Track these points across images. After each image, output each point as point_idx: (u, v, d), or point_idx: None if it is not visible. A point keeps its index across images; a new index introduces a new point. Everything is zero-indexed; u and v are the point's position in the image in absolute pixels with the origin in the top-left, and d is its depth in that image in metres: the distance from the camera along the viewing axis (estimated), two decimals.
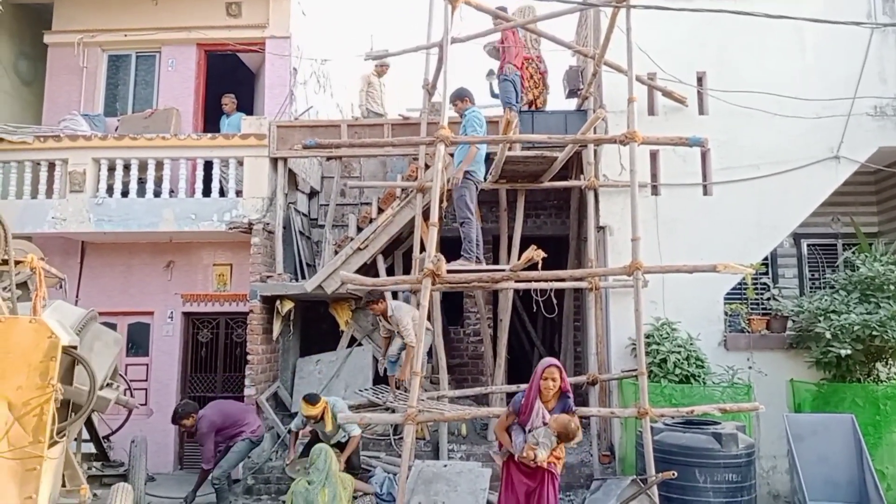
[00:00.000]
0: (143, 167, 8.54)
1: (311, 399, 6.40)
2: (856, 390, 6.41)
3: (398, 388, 7.54)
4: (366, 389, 7.79)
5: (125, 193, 8.49)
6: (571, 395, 4.79)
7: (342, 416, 6.08)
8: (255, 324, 7.91)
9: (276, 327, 8.11)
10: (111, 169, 8.56)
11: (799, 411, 6.56)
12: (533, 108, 8.35)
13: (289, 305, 8.07)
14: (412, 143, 7.27)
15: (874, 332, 6.14)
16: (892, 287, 6.46)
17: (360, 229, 8.34)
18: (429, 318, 7.18)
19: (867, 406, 6.32)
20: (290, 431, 6.76)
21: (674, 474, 4.50)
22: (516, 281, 6.94)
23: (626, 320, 6.70)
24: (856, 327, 6.20)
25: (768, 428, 6.63)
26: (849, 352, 6.22)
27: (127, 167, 8.54)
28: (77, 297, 8.87)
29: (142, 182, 8.54)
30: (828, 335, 6.33)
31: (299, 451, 6.63)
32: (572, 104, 8.91)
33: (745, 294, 7.57)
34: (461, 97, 6.92)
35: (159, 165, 8.52)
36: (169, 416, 7.17)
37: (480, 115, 6.85)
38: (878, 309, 6.31)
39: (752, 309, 7.66)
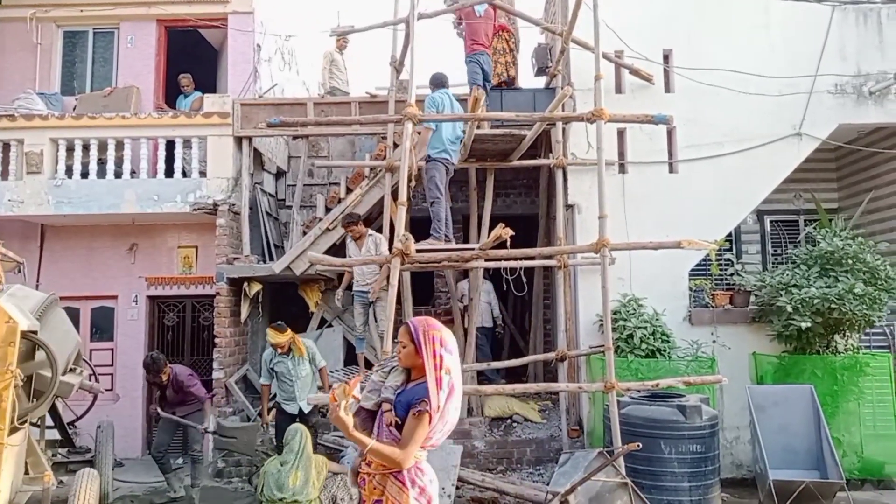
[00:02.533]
0: (102, 147, 8.31)
1: (279, 327, 6.46)
2: (815, 362, 6.60)
3: (368, 368, 7.55)
4: (336, 370, 7.78)
5: (85, 174, 8.26)
6: (435, 382, 2.72)
7: (312, 397, 6.07)
8: (223, 306, 7.81)
9: (244, 310, 8.02)
10: (70, 149, 8.31)
11: (761, 383, 6.74)
12: (505, 78, 8.33)
13: (257, 287, 7.97)
14: (380, 121, 7.19)
15: (833, 306, 6.31)
16: (850, 261, 6.63)
17: (328, 209, 8.25)
18: (399, 300, 7.18)
19: (826, 377, 6.53)
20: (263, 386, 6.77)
21: (639, 446, 4.59)
22: (486, 260, 6.97)
23: (594, 297, 6.77)
24: (815, 301, 6.36)
25: (731, 400, 6.80)
26: (809, 325, 6.38)
27: (86, 147, 8.30)
28: (38, 281, 8.66)
29: (102, 163, 8.31)
30: (789, 309, 6.48)
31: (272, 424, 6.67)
32: (541, 82, 8.91)
33: (709, 270, 7.72)
34: (432, 84, 6.93)
35: (120, 145, 8.30)
36: (135, 400, 7.09)
37: (438, 98, 6.77)
38: (837, 283, 6.47)
39: (716, 284, 7.81)
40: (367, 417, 2.91)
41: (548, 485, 5.60)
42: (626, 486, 4.68)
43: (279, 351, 6.46)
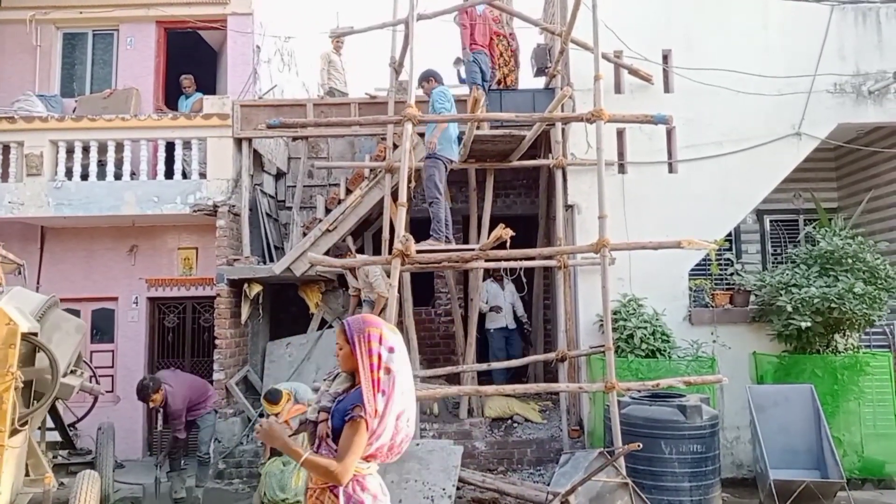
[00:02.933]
0: (102, 149, 8.31)
1: (272, 398, 6.31)
2: (815, 361, 6.60)
3: None
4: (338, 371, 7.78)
5: (85, 176, 8.27)
6: (371, 384, 2.48)
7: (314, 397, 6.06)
8: (223, 308, 7.82)
9: (245, 311, 8.03)
10: (69, 151, 8.32)
11: (761, 383, 6.74)
12: (503, 86, 8.33)
13: (257, 289, 7.98)
14: (379, 122, 7.18)
15: (833, 305, 6.31)
16: (849, 260, 6.63)
17: (328, 210, 8.26)
18: (399, 301, 7.19)
19: (826, 376, 6.53)
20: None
21: (639, 446, 4.59)
22: (486, 260, 6.97)
23: (594, 297, 6.77)
24: (815, 300, 6.36)
25: (732, 399, 6.80)
26: (809, 324, 6.38)
27: (86, 149, 8.31)
28: (38, 283, 8.65)
29: (102, 164, 8.32)
30: (789, 308, 6.49)
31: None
32: (540, 83, 8.92)
33: (709, 270, 7.72)
34: (427, 78, 6.88)
35: (119, 147, 8.31)
36: (136, 402, 7.03)
37: (448, 92, 6.83)
38: (837, 282, 6.47)
39: (716, 284, 7.81)
40: (315, 430, 2.65)
41: (548, 485, 5.60)
42: (627, 487, 4.69)
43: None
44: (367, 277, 6.88)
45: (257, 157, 8.74)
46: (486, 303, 8.42)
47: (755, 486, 6.03)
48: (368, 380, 2.45)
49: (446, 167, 6.96)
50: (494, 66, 8.11)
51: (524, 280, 8.31)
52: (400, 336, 2.61)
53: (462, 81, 8.58)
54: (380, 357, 2.48)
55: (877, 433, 6.51)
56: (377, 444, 2.47)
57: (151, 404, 6.56)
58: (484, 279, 8.48)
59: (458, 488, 6.06)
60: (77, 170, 8.26)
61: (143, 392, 6.48)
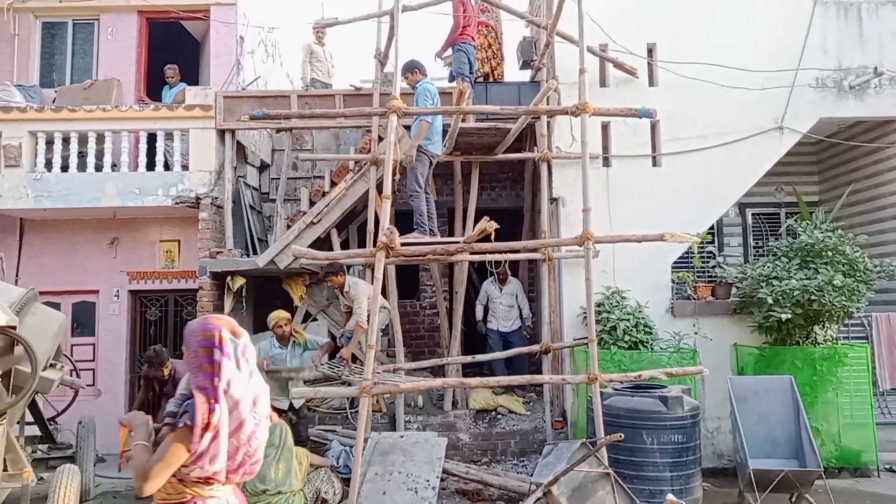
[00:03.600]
0: (83, 140, 8.20)
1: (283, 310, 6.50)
2: (795, 353, 6.69)
3: (354, 361, 7.53)
4: (322, 364, 7.75)
5: (65, 168, 8.16)
6: (203, 392, 2.23)
7: (296, 391, 6.05)
8: (206, 301, 7.75)
9: (228, 304, 7.97)
10: (49, 142, 8.19)
11: (742, 374, 6.82)
12: (492, 79, 8.31)
13: (240, 282, 7.92)
14: (364, 114, 7.15)
15: (812, 297, 6.40)
16: (829, 253, 6.72)
17: (312, 203, 8.20)
18: (384, 293, 7.17)
19: (805, 367, 6.62)
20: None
21: (621, 436, 4.62)
22: (471, 253, 6.97)
23: (578, 290, 6.80)
24: (795, 292, 6.44)
25: (713, 390, 6.88)
26: (789, 316, 6.46)
27: (66, 140, 8.19)
28: (17, 276, 8.55)
29: (82, 156, 8.21)
30: (769, 300, 6.56)
31: None
32: (526, 76, 8.91)
33: (691, 262, 7.79)
34: (411, 69, 6.83)
35: (100, 138, 8.20)
36: (117, 396, 7.01)
37: (432, 87, 6.80)
38: (817, 274, 6.56)
39: (698, 277, 7.89)
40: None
41: (532, 476, 5.63)
42: (609, 476, 4.73)
43: (277, 336, 6.43)
44: (354, 303, 6.80)
45: (241, 149, 8.67)
46: (486, 304, 8.33)
47: (735, 475, 6.10)
48: (202, 389, 2.19)
49: (431, 162, 6.95)
50: (483, 59, 8.09)
51: (509, 272, 8.32)
52: (246, 338, 2.33)
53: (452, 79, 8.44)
54: (217, 365, 2.21)
55: (854, 423, 6.62)
56: (215, 467, 2.20)
57: (165, 371, 6.44)
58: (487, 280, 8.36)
59: (442, 480, 6.09)
60: (57, 161, 8.14)
61: (159, 357, 6.36)
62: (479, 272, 9.34)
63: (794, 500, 5.69)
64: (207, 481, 2.25)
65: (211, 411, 2.16)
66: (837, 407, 6.62)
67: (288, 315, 6.50)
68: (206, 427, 2.15)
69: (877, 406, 6.93)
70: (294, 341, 6.59)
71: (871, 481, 6.55)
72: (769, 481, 5.29)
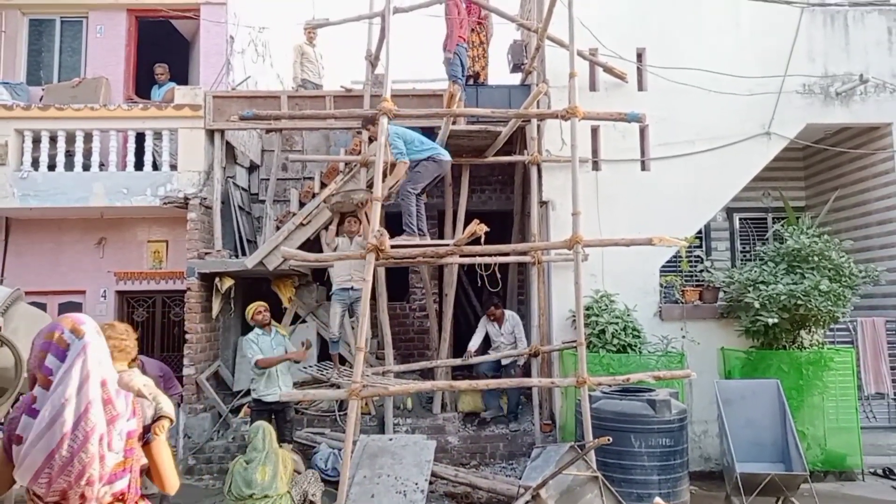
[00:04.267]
0: (70, 139, 8.14)
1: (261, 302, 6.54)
2: (781, 357, 6.74)
3: (342, 364, 7.52)
4: (310, 366, 7.74)
5: (52, 167, 8.09)
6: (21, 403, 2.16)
7: (284, 393, 6.01)
8: (194, 302, 7.71)
9: (216, 305, 7.93)
10: (36, 141, 8.13)
11: (729, 377, 6.87)
12: (479, 78, 8.33)
13: (228, 283, 7.89)
14: (355, 115, 7.13)
15: (799, 302, 6.45)
16: (816, 258, 6.77)
17: (302, 204, 8.19)
18: (373, 295, 7.16)
19: (791, 371, 6.67)
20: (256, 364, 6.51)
21: (609, 440, 4.63)
22: (460, 256, 6.97)
23: (567, 293, 6.83)
24: (782, 297, 6.49)
25: (700, 394, 6.92)
26: (776, 320, 6.51)
27: (53, 139, 8.12)
28: (2, 276, 8.47)
29: (70, 155, 8.14)
30: (756, 305, 6.61)
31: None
32: (516, 79, 8.94)
33: (679, 266, 7.83)
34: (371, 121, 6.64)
35: (88, 137, 8.14)
36: None
37: (394, 128, 6.55)
38: (803, 279, 6.61)
39: (686, 281, 7.93)
40: None
41: (520, 479, 5.64)
42: (597, 480, 4.74)
43: (259, 323, 6.41)
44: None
45: (230, 150, 8.63)
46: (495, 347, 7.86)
47: (722, 478, 6.14)
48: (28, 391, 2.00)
49: (436, 175, 6.75)
50: (474, 57, 8.10)
51: (498, 276, 8.32)
52: (90, 337, 2.11)
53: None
54: (43, 366, 2.05)
55: (839, 427, 6.68)
56: (25, 482, 1.97)
57: None
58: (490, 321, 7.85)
59: (430, 482, 6.08)
60: (44, 160, 8.07)
61: None
62: (469, 275, 9.35)
63: (780, 503, 5.74)
64: (35, 498, 2.03)
65: (16, 419, 2.01)
66: (823, 411, 6.67)
67: (264, 303, 6.48)
68: (16, 441, 1.98)
69: (861, 410, 7.01)
70: (276, 331, 6.56)
71: (855, 485, 6.61)
72: (756, 485, 5.33)
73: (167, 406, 2.16)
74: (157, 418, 2.20)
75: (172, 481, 2.31)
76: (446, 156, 6.60)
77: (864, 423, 7.00)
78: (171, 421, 2.18)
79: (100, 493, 2.05)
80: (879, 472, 6.87)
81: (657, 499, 4.53)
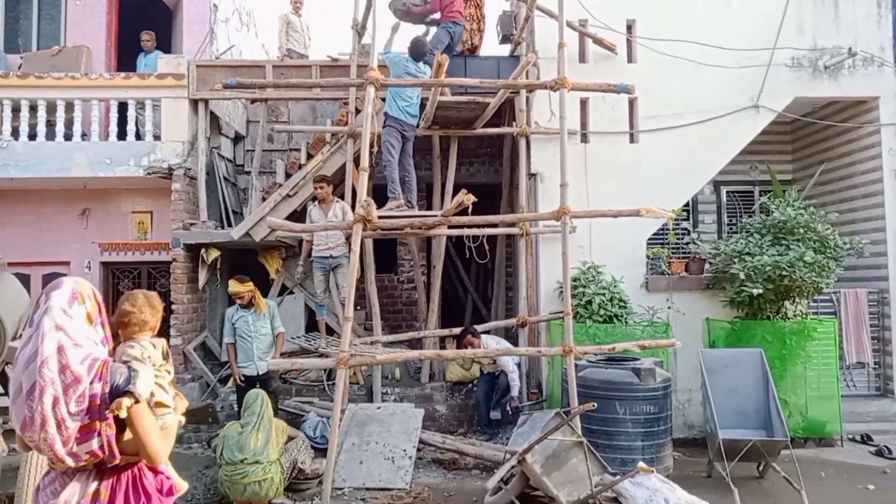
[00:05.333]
0: (51, 109, 7.98)
1: (241, 277, 6.47)
2: (765, 327, 6.83)
3: (330, 334, 7.53)
4: (298, 337, 7.74)
5: (33, 136, 7.95)
6: None
7: (272, 362, 6.02)
8: (179, 273, 7.66)
9: (202, 276, 7.88)
10: (15, 110, 7.97)
11: (713, 347, 6.94)
12: (475, 51, 8.25)
13: (215, 254, 7.83)
14: (341, 84, 7.07)
15: (784, 273, 6.51)
16: (801, 230, 6.83)
17: (288, 175, 8.12)
18: (361, 267, 7.15)
19: (775, 341, 6.76)
20: (228, 345, 6.60)
21: (594, 406, 4.69)
22: (449, 227, 6.97)
23: (555, 265, 6.84)
24: (767, 268, 6.55)
25: (685, 364, 7.00)
26: (760, 291, 6.58)
27: (33, 108, 7.97)
28: None
29: (51, 125, 8.00)
30: (741, 276, 6.67)
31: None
32: (506, 50, 8.85)
33: (666, 239, 7.87)
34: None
35: (69, 107, 7.99)
36: None
37: (394, 58, 6.75)
38: (788, 251, 6.67)
39: (672, 253, 7.98)
40: None
41: (507, 445, 5.70)
42: (582, 445, 4.80)
43: (240, 303, 6.40)
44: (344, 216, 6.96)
45: (214, 120, 8.51)
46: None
47: (705, 445, 6.24)
48: None
49: (403, 133, 6.91)
50: (471, 31, 8.02)
51: (486, 248, 8.33)
52: (59, 305, 2.16)
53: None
54: (34, 322, 2.14)
55: (820, 395, 6.80)
56: (19, 430, 2.09)
57: None
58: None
59: (419, 450, 6.15)
60: (24, 129, 7.93)
61: None
62: (458, 247, 9.35)
63: (761, 468, 5.85)
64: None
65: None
66: (805, 380, 6.78)
67: (240, 289, 6.37)
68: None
69: (842, 379, 7.14)
70: (255, 310, 6.50)
71: (834, 451, 6.75)
72: (738, 451, 5.42)
73: (141, 385, 2.09)
74: (122, 392, 2.15)
75: (151, 452, 2.23)
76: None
77: (845, 391, 7.14)
78: (136, 400, 2.13)
79: (73, 449, 2.11)
80: (858, 438, 7.02)
81: (641, 463, 4.61)
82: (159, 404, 2.33)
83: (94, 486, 2.22)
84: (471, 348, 6.54)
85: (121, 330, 2.38)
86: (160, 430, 2.28)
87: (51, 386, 2.05)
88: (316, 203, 7.39)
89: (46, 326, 2.10)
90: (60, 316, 2.14)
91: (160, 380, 2.35)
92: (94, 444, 2.14)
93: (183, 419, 2.47)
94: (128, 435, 2.23)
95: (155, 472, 2.35)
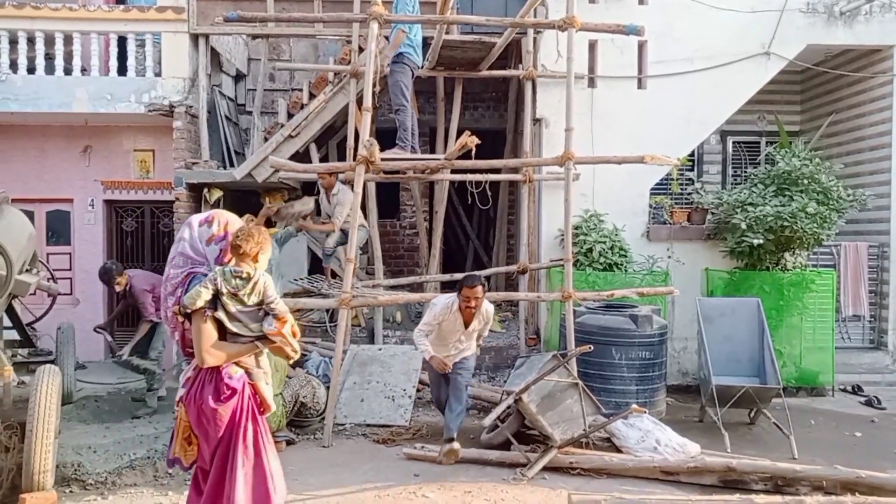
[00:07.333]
0: (49, 41, 7.83)
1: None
2: (764, 278, 6.87)
3: (333, 277, 7.60)
4: (301, 279, 7.81)
5: (31, 70, 7.82)
6: None
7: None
8: (182, 212, 7.65)
9: None
10: (13, 42, 7.82)
11: (712, 297, 7.00)
12: None
13: (217, 194, 7.82)
14: (344, 20, 6.89)
15: (785, 223, 6.51)
16: (805, 181, 6.79)
17: (290, 115, 8.01)
18: (364, 211, 7.14)
19: (773, 292, 6.82)
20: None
21: (590, 348, 4.77)
22: (452, 171, 6.94)
23: (557, 213, 6.84)
24: (769, 218, 6.54)
25: (682, 312, 7.08)
26: (761, 241, 6.59)
27: (31, 40, 7.81)
28: None
29: (49, 58, 7.86)
30: (743, 226, 6.67)
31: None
32: None
33: (669, 188, 7.83)
34: None
35: (68, 40, 7.84)
36: (96, 305, 6.98)
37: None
38: (791, 202, 6.64)
39: (675, 202, 7.96)
40: None
41: (503, 386, 5.83)
42: (577, 386, 4.91)
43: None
44: (334, 207, 6.78)
45: (215, 56, 8.35)
46: None
47: (699, 392, 6.37)
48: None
49: (413, 73, 6.78)
50: None
51: (489, 194, 8.31)
52: (215, 226, 2.97)
53: None
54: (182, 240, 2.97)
55: (815, 346, 6.91)
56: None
57: (117, 287, 6.43)
58: None
59: (418, 390, 6.29)
60: (23, 62, 7.80)
61: (107, 274, 6.34)
62: (460, 193, 9.33)
63: (752, 415, 5.99)
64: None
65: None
66: (801, 331, 6.87)
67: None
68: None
69: (837, 331, 7.23)
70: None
71: (825, 400, 6.90)
72: (730, 396, 5.54)
73: (186, 297, 2.84)
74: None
75: (196, 351, 2.82)
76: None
77: (839, 343, 7.24)
78: (181, 308, 2.89)
79: (171, 324, 3.01)
80: (849, 388, 7.17)
81: (633, 405, 4.72)
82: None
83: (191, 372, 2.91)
84: (475, 303, 4.95)
85: (231, 253, 2.95)
86: (209, 337, 2.82)
87: (168, 282, 2.94)
88: (321, 195, 7.22)
89: (178, 240, 2.99)
90: (187, 231, 2.98)
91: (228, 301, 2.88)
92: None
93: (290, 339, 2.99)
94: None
95: (228, 378, 2.87)
